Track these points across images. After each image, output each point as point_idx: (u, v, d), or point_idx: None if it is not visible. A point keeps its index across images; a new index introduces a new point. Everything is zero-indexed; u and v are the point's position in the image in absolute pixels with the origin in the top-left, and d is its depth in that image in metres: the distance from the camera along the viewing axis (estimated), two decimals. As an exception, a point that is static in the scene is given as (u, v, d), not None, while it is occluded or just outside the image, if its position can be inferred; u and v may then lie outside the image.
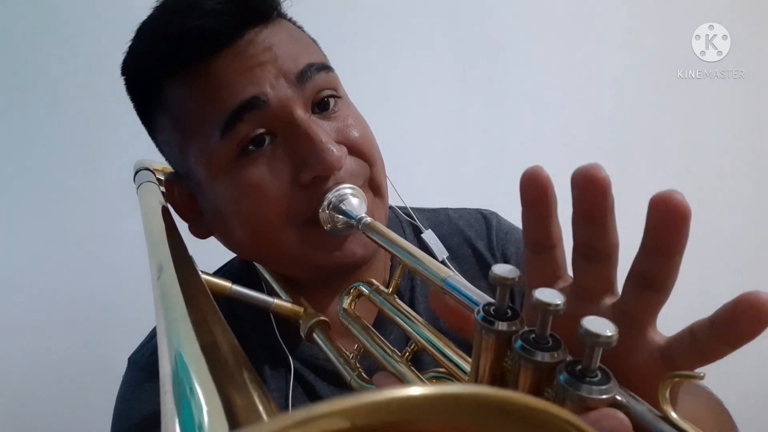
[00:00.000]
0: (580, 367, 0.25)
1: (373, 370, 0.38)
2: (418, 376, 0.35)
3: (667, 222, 0.26)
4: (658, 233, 0.26)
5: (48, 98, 1.31)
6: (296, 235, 0.52)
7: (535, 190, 0.29)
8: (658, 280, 0.28)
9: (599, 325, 0.24)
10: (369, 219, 0.47)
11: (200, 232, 0.59)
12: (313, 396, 0.58)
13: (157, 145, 0.59)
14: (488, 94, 1.52)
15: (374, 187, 0.56)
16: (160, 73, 0.52)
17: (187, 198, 0.58)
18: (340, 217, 0.49)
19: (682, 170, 1.59)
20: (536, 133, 1.53)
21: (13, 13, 1.27)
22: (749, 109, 1.60)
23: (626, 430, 0.23)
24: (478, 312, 0.29)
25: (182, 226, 0.51)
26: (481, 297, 0.33)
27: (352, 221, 0.48)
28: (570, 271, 0.32)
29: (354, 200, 0.50)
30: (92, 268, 1.36)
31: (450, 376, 0.35)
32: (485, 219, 0.72)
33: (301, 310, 0.48)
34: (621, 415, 0.24)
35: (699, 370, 0.25)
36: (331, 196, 0.49)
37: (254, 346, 0.60)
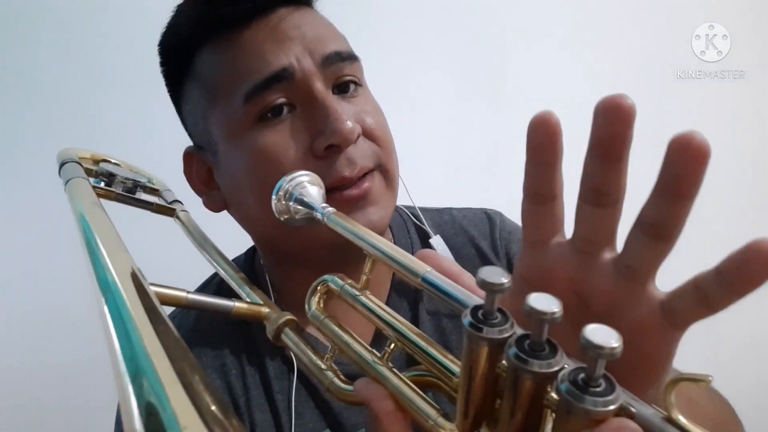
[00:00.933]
0: (582, 375, 0.23)
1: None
2: (400, 378, 0.32)
3: (687, 161, 0.26)
4: (675, 173, 0.26)
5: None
6: None
7: (542, 135, 0.29)
8: (666, 228, 0.27)
9: (603, 336, 0.22)
10: (332, 209, 0.44)
11: (214, 206, 0.62)
12: (317, 399, 0.56)
13: (182, 118, 0.62)
14: (487, 94, 1.51)
15: (385, 174, 0.56)
16: (195, 42, 0.56)
17: (205, 173, 0.61)
18: (300, 208, 0.45)
19: (682, 170, 1.58)
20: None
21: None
22: (749, 109, 1.61)
23: None
24: (465, 316, 0.26)
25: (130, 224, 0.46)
26: (463, 293, 0.31)
27: (316, 213, 0.44)
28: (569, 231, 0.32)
29: (312, 189, 0.46)
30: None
31: (433, 377, 0.32)
32: (489, 218, 0.71)
33: (264, 310, 0.43)
34: (633, 425, 0.22)
35: (706, 374, 0.23)
36: (286, 184, 0.46)
37: (262, 348, 0.58)
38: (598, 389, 0.23)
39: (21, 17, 1.26)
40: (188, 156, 0.62)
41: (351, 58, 0.56)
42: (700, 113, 1.58)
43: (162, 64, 0.60)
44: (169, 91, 0.62)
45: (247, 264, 0.66)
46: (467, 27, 1.48)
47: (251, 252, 0.68)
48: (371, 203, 0.54)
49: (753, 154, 1.62)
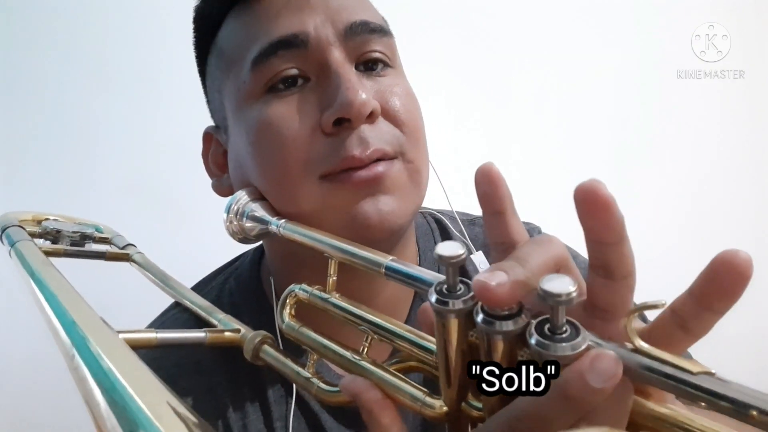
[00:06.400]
0: (548, 326, 0.26)
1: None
2: (383, 368, 0.35)
3: (593, 214, 0.27)
4: (589, 226, 0.28)
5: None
6: (314, 190, 0.50)
7: (485, 186, 0.32)
8: (614, 269, 0.28)
9: (559, 285, 0.25)
10: (284, 219, 0.48)
11: (222, 192, 0.61)
12: (316, 428, 0.56)
13: (206, 95, 0.64)
14: (487, 93, 1.57)
15: (408, 164, 0.52)
16: (221, 11, 0.56)
17: (221, 156, 0.61)
18: (253, 224, 0.49)
19: (682, 170, 1.65)
20: (536, 133, 1.59)
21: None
22: (749, 109, 1.68)
23: (618, 365, 0.24)
24: (431, 294, 0.29)
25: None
26: (428, 274, 0.34)
27: (271, 226, 0.48)
28: None
29: (259, 203, 0.51)
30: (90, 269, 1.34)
31: (414, 360, 0.35)
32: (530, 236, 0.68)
33: (237, 335, 0.45)
34: (608, 351, 0.24)
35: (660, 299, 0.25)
36: (235, 204, 0.49)
37: (263, 373, 0.57)
38: (564, 335, 0.25)
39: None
40: (206, 136, 0.62)
41: (381, 31, 0.53)
42: (700, 113, 1.65)
43: (194, 38, 0.61)
44: (199, 71, 0.63)
45: (252, 268, 0.64)
46: (467, 26, 1.56)
47: (259, 252, 0.66)
48: (384, 191, 0.50)
49: (753, 154, 1.69)
